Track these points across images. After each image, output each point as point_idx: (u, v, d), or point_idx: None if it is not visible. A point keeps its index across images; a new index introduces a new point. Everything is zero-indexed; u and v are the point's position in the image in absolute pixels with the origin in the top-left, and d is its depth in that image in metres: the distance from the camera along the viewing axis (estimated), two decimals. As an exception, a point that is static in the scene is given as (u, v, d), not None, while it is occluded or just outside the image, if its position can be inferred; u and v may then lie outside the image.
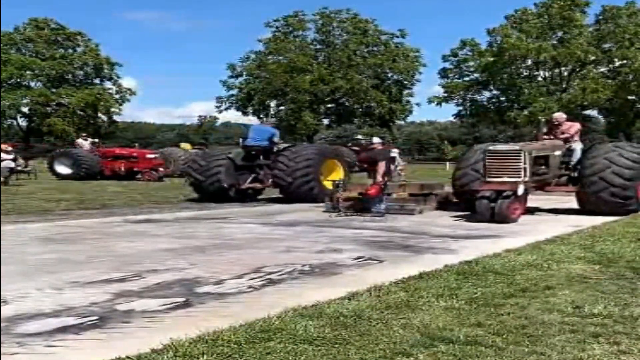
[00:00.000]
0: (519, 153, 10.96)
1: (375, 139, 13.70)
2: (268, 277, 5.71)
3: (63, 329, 3.97)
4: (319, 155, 15.32)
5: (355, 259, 6.75)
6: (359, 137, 43.08)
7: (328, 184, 14.00)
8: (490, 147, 11.61)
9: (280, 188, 14.86)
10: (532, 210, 11.96)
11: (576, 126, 12.70)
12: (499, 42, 56.28)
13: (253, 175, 15.29)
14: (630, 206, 11.51)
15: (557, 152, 12.19)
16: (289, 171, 14.50)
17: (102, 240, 8.11)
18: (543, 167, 11.80)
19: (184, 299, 4.82)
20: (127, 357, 3.38)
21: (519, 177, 10.75)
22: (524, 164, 10.81)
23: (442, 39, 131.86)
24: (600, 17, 56.52)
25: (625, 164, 11.56)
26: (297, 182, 14.45)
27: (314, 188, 14.52)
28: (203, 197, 14.92)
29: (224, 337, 3.70)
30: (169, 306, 4.60)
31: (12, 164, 21.41)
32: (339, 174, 15.52)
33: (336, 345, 3.61)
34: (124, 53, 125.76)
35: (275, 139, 15.57)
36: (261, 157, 15.31)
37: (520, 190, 10.49)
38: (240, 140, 16.61)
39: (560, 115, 13.16)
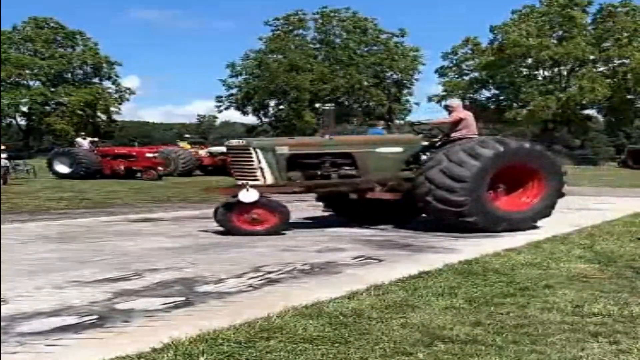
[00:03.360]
0: (247, 150, 9.00)
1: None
2: (268, 276, 5.71)
3: (63, 328, 3.97)
4: None
5: (355, 258, 6.76)
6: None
7: None
8: (226, 143, 9.90)
9: None
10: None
11: (456, 115, 9.83)
12: (500, 39, 56.29)
13: None
14: (467, 217, 8.74)
15: (394, 149, 9.64)
16: None
17: (101, 239, 8.11)
18: (347, 167, 9.42)
19: (184, 298, 4.82)
20: (127, 356, 3.38)
21: (256, 180, 8.84)
22: (259, 163, 8.87)
23: (441, 39, 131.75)
24: (598, 16, 56.54)
25: (460, 159, 8.83)
26: None
27: None
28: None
29: (224, 336, 3.70)
30: (169, 305, 4.60)
31: (8, 163, 21.39)
32: None
33: (336, 344, 3.61)
34: (125, 53, 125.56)
35: None
36: None
37: (248, 197, 8.52)
38: None
39: (452, 102, 10.67)
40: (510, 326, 4.02)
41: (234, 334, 3.75)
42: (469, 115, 9.96)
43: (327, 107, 9.83)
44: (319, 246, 7.57)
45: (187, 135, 43.05)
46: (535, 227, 9.20)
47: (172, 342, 3.56)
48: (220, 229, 8.66)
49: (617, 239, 8.05)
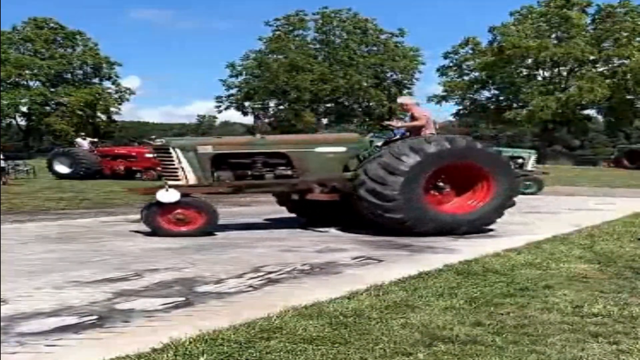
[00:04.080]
0: (167, 150, 8.82)
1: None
2: (268, 276, 5.71)
3: (62, 329, 3.97)
4: None
5: (354, 258, 6.76)
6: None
7: None
8: (152, 143, 9.67)
9: None
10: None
11: (421, 114, 9.64)
12: (499, 41, 56.31)
13: None
14: (394, 213, 8.34)
15: (335, 149, 9.23)
16: None
17: (101, 240, 8.11)
18: (282, 168, 9.11)
19: (184, 298, 4.82)
20: (127, 357, 3.38)
21: (178, 180, 8.67)
22: (180, 163, 8.68)
23: (441, 39, 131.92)
24: (597, 17, 56.59)
25: (400, 153, 8.53)
26: None
27: None
28: None
29: (224, 336, 3.70)
30: (169, 305, 4.60)
31: (4, 164, 21.40)
32: None
33: (336, 345, 3.61)
34: (126, 53, 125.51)
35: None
36: None
37: (167, 197, 8.35)
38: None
39: (404, 100, 10.32)
40: (510, 326, 4.02)
41: (233, 334, 3.75)
42: (428, 113, 9.89)
43: (257, 106, 9.75)
44: (319, 246, 7.57)
45: (152, 137, 42.87)
46: (471, 233, 8.58)
47: (172, 343, 3.55)
48: (219, 227, 8.65)
49: (617, 239, 8.05)
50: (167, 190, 8.40)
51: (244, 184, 9.10)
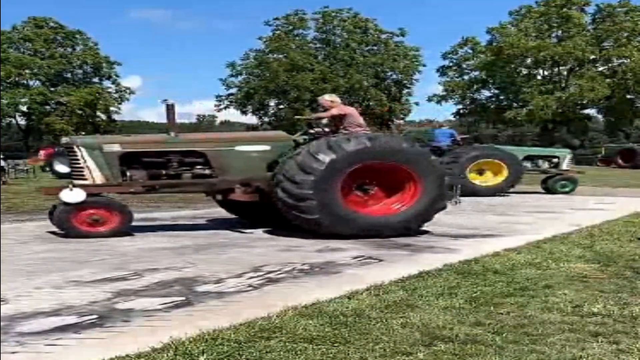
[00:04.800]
0: (71, 148, 8.57)
1: None
2: (268, 276, 5.71)
3: (62, 328, 3.97)
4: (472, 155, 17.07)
5: (354, 257, 6.76)
6: None
7: (481, 179, 16.76)
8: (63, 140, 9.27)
9: None
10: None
11: (335, 110, 9.22)
12: (497, 41, 56.33)
13: None
14: (309, 214, 7.99)
15: (258, 147, 8.89)
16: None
17: (101, 239, 8.10)
18: (200, 167, 8.77)
19: (183, 298, 4.82)
20: (127, 356, 3.38)
21: (84, 179, 8.41)
22: (85, 162, 8.39)
23: (441, 38, 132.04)
24: (598, 16, 56.61)
25: (317, 151, 8.15)
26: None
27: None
28: None
29: (224, 335, 3.70)
30: (168, 305, 4.60)
31: (3, 164, 21.40)
32: (502, 174, 16.87)
33: (336, 344, 3.61)
34: (128, 53, 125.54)
35: (456, 138, 17.91)
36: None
37: (71, 196, 8.09)
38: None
39: (324, 99, 9.72)
40: (510, 326, 4.02)
41: (233, 333, 3.75)
42: (352, 111, 9.49)
43: (168, 103, 9.04)
44: (318, 246, 7.57)
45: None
46: (394, 237, 8.15)
47: (172, 342, 3.56)
48: (219, 227, 8.65)
49: (617, 238, 8.05)
50: (71, 189, 8.12)
51: (158, 184, 8.73)
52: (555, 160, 18.64)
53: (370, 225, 8.25)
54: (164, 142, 8.87)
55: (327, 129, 9.28)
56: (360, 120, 9.38)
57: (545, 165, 18.64)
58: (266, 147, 8.88)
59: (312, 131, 9.35)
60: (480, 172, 17.14)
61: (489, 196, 15.89)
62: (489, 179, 17.02)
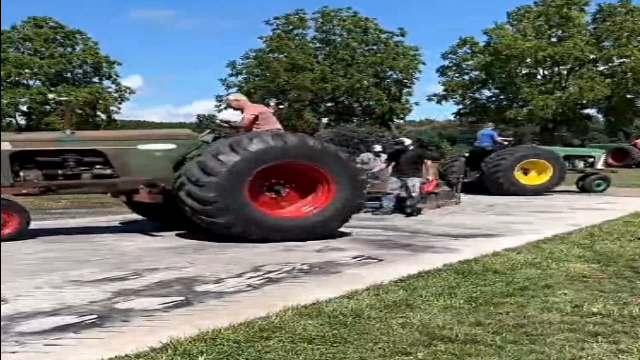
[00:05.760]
0: None
1: (408, 141, 13.24)
2: (267, 275, 5.71)
3: (62, 328, 3.97)
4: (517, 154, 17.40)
5: (354, 257, 6.75)
6: None
7: (526, 179, 17.13)
8: None
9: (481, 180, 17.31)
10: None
11: (250, 114, 8.93)
12: (495, 42, 56.29)
13: (477, 171, 17.57)
14: (216, 218, 7.62)
15: (162, 146, 8.43)
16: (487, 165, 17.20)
17: (101, 239, 8.10)
18: (100, 166, 8.29)
19: (183, 298, 4.82)
20: (127, 356, 3.38)
21: None
22: None
23: (441, 38, 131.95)
24: (598, 16, 56.59)
25: (219, 152, 7.76)
26: (492, 175, 16.98)
27: (500, 180, 16.79)
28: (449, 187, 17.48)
29: (223, 335, 3.70)
30: (168, 305, 4.60)
31: None
32: (547, 173, 17.28)
33: (335, 344, 3.61)
34: (129, 52, 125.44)
35: (497, 139, 18.23)
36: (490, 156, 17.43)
37: None
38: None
39: (229, 99, 9.49)
40: (510, 326, 4.02)
41: (233, 333, 3.75)
42: (264, 109, 9.23)
43: (64, 99, 8.56)
44: (318, 246, 7.56)
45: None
46: (306, 240, 7.82)
47: (171, 342, 3.56)
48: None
49: (617, 238, 8.05)
50: None
51: (55, 184, 8.19)
52: (591, 160, 19.05)
53: (284, 228, 7.93)
54: (58, 141, 8.38)
55: (238, 129, 8.85)
56: (273, 118, 9.11)
57: (580, 164, 18.97)
58: (171, 146, 8.44)
59: (223, 128, 8.97)
60: (525, 172, 17.45)
61: (535, 195, 16.36)
62: (534, 179, 17.38)
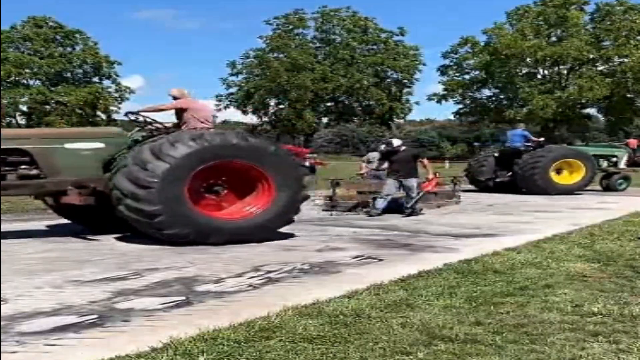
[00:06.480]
0: None
1: (397, 141, 13.05)
2: (268, 275, 5.71)
3: (62, 328, 3.97)
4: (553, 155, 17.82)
5: (354, 257, 6.75)
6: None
7: (559, 179, 17.46)
8: None
9: (516, 180, 17.60)
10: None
11: (174, 103, 8.68)
12: (494, 41, 56.27)
13: (509, 171, 17.86)
14: (167, 229, 7.33)
15: (90, 145, 8.07)
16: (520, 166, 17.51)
17: (101, 239, 8.10)
18: (25, 166, 7.82)
19: (183, 298, 4.82)
20: (127, 356, 3.38)
21: None
22: None
23: (440, 38, 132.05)
24: (596, 15, 56.59)
25: (144, 160, 7.37)
26: (527, 174, 17.27)
27: (537, 180, 17.07)
28: (476, 186, 18.35)
29: (223, 335, 3.70)
30: (168, 305, 4.60)
31: None
32: (580, 173, 17.63)
33: (336, 344, 3.61)
34: (130, 52, 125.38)
35: (531, 139, 18.47)
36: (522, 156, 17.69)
37: None
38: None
39: (171, 90, 9.07)
40: (510, 325, 4.01)
41: (233, 333, 3.75)
42: (195, 105, 8.81)
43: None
44: (319, 245, 7.57)
45: None
46: (249, 242, 7.60)
47: (172, 342, 3.55)
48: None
49: (617, 238, 8.05)
50: None
51: None
52: (614, 159, 19.36)
53: (232, 230, 7.64)
54: None
55: (167, 127, 8.60)
56: (206, 115, 8.81)
57: (604, 164, 19.22)
58: (100, 145, 8.07)
59: (153, 126, 8.61)
60: (558, 172, 17.68)
61: (568, 194, 16.66)
62: (566, 178, 17.67)
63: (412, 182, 11.37)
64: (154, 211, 7.25)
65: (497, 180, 17.90)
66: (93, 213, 8.36)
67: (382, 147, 13.49)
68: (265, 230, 7.85)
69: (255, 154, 7.90)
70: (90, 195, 7.83)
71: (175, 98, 8.87)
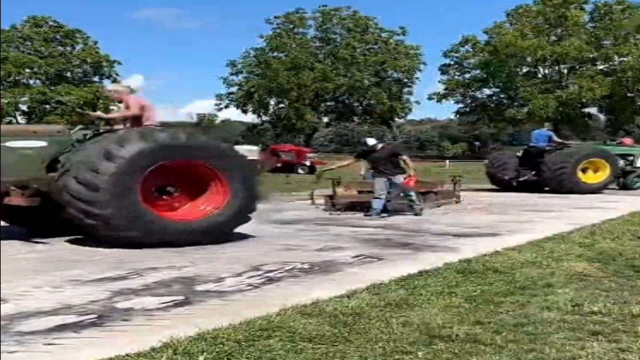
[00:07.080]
0: None
1: (371, 140, 12.86)
2: (267, 275, 5.71)
3: (62, 327, 3.97)
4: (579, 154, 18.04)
5: (354, 257, 6.75)
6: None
7: (586, 178, 17.59)
8: None
9: (543, 179, 17.80)
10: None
11: (132, 108, 8.18)
12: (494, 41, 56.28)
13: (533, 171, 17.93)
14: (122, 232, 7.08)
15: (32, 143, 7.77)
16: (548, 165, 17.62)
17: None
18: None
19: (183, 297, 4.82)
20: (127, 355, 3.38)
21: None
22: None
23: (440, 37, 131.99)
24: (595, 15, 56.61)
25: (92, 162, 7.09)
26: (555, 174, 17.42)
27: (564, 180, 17.26)
28: (498, 185, 18.51)
29: (223, 335, 3.70)
30: (168, 304, 4.60)
31: None
32: (605, 172, 17.88)
33: (336, 343, 3.61)
34: (131, 52, 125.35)
35: (554, 139, 18.65)
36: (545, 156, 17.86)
37: None
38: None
39: (113, 89, 8.77)
40: (510, 325, 4.01)
41: (233, 333, 3.75)
42: (147, 102, 8.46)
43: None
44: (319, 245, 7.56)
45: None
46: (202, 244, 7.35)
47: (172, 341, 3.55)
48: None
49: (617, 237, 8.05)
50: None
51: None
52: (631, 158, 19.55)
53: (185, 232, 7.41)
54: None
55: (113, 124, 8.29)
56: (154, 111, 8.48)
57: (621, 163, 19.26)
58: (42, 143, 7.76)
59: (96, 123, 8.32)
60: (583, 171, 17.82)
61: (592, 193, 16.82)
62: (591, 177, 17.85)
63: (400, 178, 11.36)
64: (106, 215, 6.99)
65: (521, 179, 17.96)
66: (37, 215, 7.88)
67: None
68: (221, 230, 7.64)
69: (204, 152, 7.65)
70: (34, 196, 7.51)
71: (115, 94, 8.45)
